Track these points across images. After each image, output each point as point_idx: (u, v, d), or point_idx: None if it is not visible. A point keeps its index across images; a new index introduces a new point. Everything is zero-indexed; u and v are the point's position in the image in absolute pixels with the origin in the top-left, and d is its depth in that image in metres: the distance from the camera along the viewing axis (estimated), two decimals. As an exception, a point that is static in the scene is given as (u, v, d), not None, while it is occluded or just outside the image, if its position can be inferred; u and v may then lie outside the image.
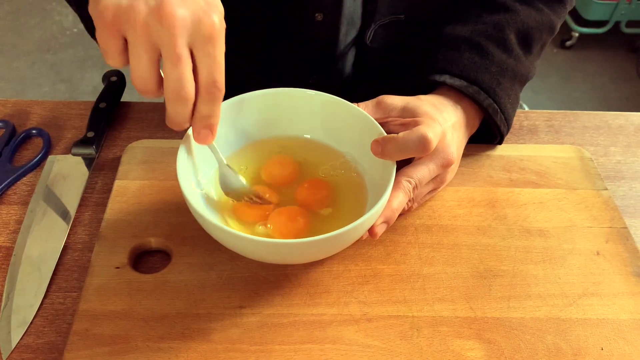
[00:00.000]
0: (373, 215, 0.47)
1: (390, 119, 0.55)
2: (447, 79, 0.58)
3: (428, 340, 0.47)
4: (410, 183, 0.51)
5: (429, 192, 0.56)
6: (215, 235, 0.47)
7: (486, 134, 0.62)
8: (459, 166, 0.59)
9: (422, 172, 0.52)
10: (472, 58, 0.60)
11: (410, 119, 0.53)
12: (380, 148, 0.50)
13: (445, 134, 0.53)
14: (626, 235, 0.54)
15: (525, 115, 0.69)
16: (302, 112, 0.57)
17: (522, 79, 0.62)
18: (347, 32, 0.68)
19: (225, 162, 0.52)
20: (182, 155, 0.49)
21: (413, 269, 0.51)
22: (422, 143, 0.50)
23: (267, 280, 0.50)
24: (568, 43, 2.40)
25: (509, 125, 0.61)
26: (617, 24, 2.32)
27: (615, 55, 2.39)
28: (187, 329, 0.46)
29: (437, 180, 0.55)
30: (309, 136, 0.58)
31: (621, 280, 0.51)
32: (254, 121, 0.56)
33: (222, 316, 0.47)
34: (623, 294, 0.50)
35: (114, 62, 0.43)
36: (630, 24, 2.34)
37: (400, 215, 0.52)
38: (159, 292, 0.49)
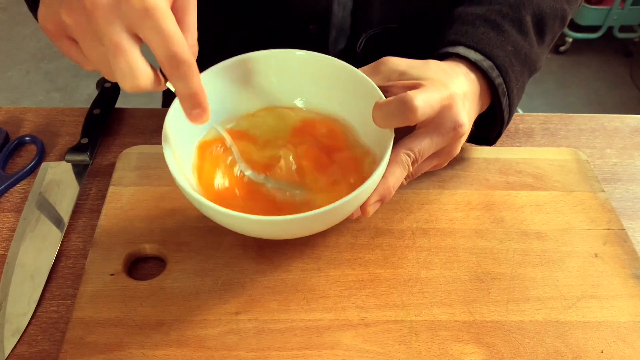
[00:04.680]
0: (364, 192, 0.43)
1: (391, 83, 0.49)
2: (461, 50, 0.53)
3: (427, 344, 0.46)
4: (409, 156, 0.46)
5: (432, 167, 0.51)
6: (205, 211, 0.45)
7: (484, 123, 0.57)
8: (455, 169, 0.59)
9: (424, 143, 0.47)
10: (488, 33, 0.55)
11: (413, 81, 0.48)
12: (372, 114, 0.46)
13: (454, 100, 0.48)
14: (624, 237, 0.54)
15: (520, 118, 0.69)
16: (294, 76, 0.53)
17: (531, 67, 0.58)
18: (336, 42, 0.67)
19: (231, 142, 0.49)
20: (169, 130, 0.47)
21: (411, 272, 0.51)
22: (403, 108, 0.44)
23: (264, 286, 0.49)
24: (562, 48, 2.41)
25: (511, 113, 0.56)
26: (610, 29, 2.34)
27: (609, 60, 2.41)
28: (182, 336, 0.46)
29: (443, 154, 0.50)
30: (301, 101, 0.54)
31: (620, 282, 0.51)
32: (239, 90, 0.53)
33: (218, 322, 0.47)
34: (622, 296, 0.50)
35: (87, 66, 0.42)
36: (623, 28, 2.36)
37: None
38: (154, 299, 0.48)
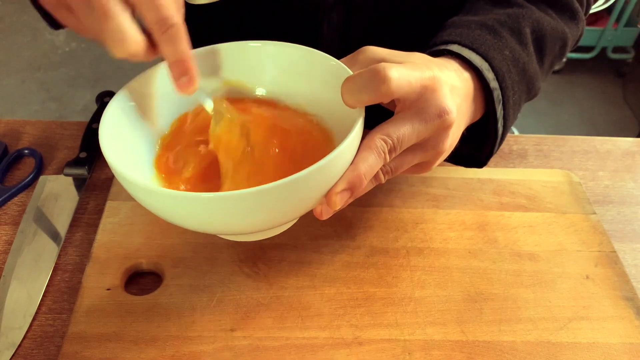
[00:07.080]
0: (323, 168, 0.38)
1: None
2: (454, 47, 0.49)
3: (420, 364, 0.46)
4: (386, 142, 0.41)
5: (419, 165, 0.46)
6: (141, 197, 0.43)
7: (475, 139, 0.53)
8: (449, 189, 0.60)
9: (404, 129, 0.41)
10: (484, 35, 0.50)
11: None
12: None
13: (439, 84, 0.42)
14: (615, 259, 0.55)
15: (514, 139, 0.70)
16: (251, 67, 0.51)
17: (529, 83, 0.53)
18: None
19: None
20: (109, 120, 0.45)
21: (405, 292, 0.51)
22: (374, 77, 0.39)
23: (259, 303, 0.50)
24: (556, 68, 2.44)
25: (505, 127, 0.51)
26: (603, 49, 2.37)
27: (602, 80, 2.43)
28: (177, 352, 0.46)
29: (428, 147, 0.44)
30: (262, 92, 0.52)
31: (610, 304, 0.51)
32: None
33: (214, 339, 0.47)
34: (612, 317, 0.50)
35: (84, 34, 0.42)
36: (616, 49, 2.39)
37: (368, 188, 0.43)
38: (149, 315, 0.48)
